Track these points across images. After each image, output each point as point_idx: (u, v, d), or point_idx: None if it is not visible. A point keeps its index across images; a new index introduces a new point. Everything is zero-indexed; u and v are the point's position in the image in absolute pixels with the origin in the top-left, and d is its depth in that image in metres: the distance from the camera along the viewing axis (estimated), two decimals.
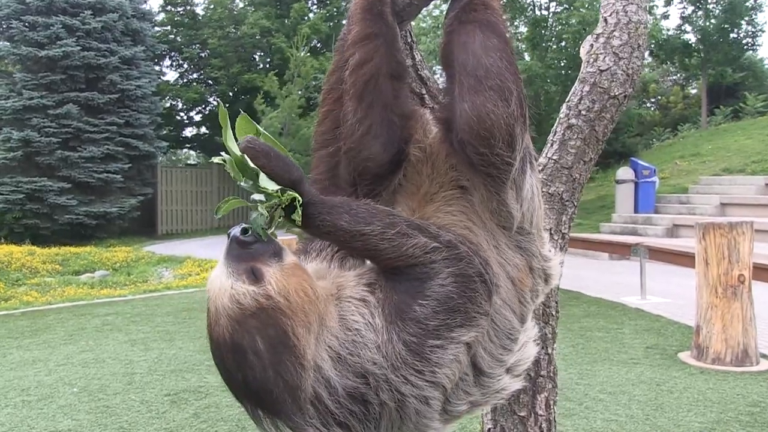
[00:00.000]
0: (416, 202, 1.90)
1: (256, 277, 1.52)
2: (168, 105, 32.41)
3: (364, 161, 1.90)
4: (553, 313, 2.91)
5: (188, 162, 41.37)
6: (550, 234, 2.84)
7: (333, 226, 1.60)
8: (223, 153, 1.58)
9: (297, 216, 1.57)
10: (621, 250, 13.00)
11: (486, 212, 1.84)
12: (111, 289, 14.10)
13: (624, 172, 20.26)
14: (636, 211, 19.74)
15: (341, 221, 1.60)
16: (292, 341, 1.51)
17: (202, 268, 15.95)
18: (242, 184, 1.58)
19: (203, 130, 35.05)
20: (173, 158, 40.88)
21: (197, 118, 34.79)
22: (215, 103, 33.75)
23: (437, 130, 1.97)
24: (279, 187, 1.55)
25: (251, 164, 1.55)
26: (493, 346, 1.77)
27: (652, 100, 36.24)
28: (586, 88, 2.91)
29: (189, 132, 35.64)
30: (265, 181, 1.55)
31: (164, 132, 30.97)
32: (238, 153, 1.55)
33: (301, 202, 1.57)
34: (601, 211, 21.47)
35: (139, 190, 25.21)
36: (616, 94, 2.89)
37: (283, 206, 1.57)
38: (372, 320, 1.59)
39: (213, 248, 19.83)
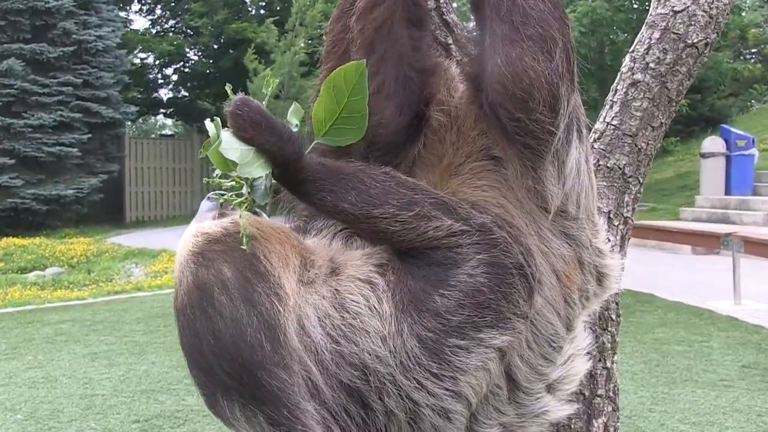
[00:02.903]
0: (438, 176, 1.93)
1: (225, 215, 1.67)
2: (137, 61, 32.49)
3: (375, 127, 1.93)
4: (613, 317, 2.94)
5: (163, 132, 41.50)
6: (609, 218, 2.86)
7: (334, 206, 1.66)
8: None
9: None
10: (708, 242, 12.94)
11: (522, 189, 1.87)
12: (66, 290, 14.19)
13: (712, 143, 20.11)
14: (728, 192, 19.61)
15: (344, 202, 1.65)
16: (264, 266, 1.58)
17: None
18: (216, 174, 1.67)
19: (181, 92, 35.11)
20: (144, 127, 41.04)
21: (174, 77, 34.88)
22: (196, 57, 33.78)
23: (465, 89, 1.99)
24: (264, 173, 1.61)
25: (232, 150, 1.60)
26: (532, 355, 1.80)
27: (752, 50, 35.87)
28: (656, 35, 2.92)
29: (164, 94, 35.75)
30: (246, 165, 1.60)
31: (133, 94, 31.03)
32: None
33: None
34: (682, 193, 21.34)
35: (102, 167, 25.24)
36: (695, 41, 2.89)
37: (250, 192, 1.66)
38: (378, 305, 1.62)
39: None
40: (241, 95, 1.65)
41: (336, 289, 1.65)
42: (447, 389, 1.62)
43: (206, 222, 1.66)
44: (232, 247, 1.57)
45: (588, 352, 1.98)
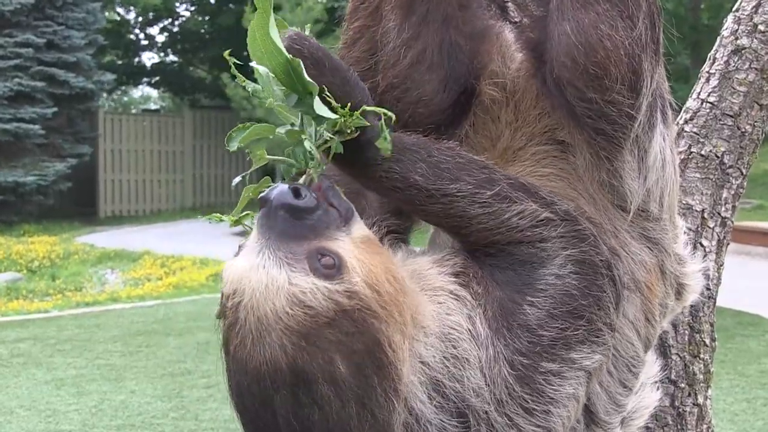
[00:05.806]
0: (491, 162, 1.94)
1: (328, 263, 1.54)
2: (115, 17, 32.60)
3: (414, 105, 1.96)
4: (707, 341, 2.93)
5: (146, 106, 41.65)
6: (703, 218, 2.86)
7: (403, 180, 1.68)
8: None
9: (384, 144, 1.61)
10: None
11: (594, 183, 1.89)
12: (25, 300, 14.30)
13: None
14: None
15: (414, 174, 1.68)
16: (388, 357, 1.55)
17: (168, 269, 16.02)
18: (277, 105, 1.61)
19: (170, 56, 35.20)
20: (124, 99, 41.25)
21: (160, 38, 35.00)
22: (188, 13, 33.83)
23: (524, 58, 2.01)
24: (332, 116, 1.59)
25: (305, 76, 1.58)
26: (611, 381, 1.83)
27: None
28: None
29: (148, 59, 35.90)
30: (318, 105, 1.59)
31: (109, 59, 31.13)
32: (286, 54, 1.58)
33: (387, 133, 1.61)
34: None
35: (71, 150, 25.28)
36: None
37: (342, 138, 1.61)
38: (472, 327, 1.64)
39: (184, 239, 19.95)
40: (295, 29, 1.65)
41: (436, 314, 1.65)
42: (538, 426, 1.64)
43: (305, 281, 1.51)
44: (349, 333, 1.50)
45: (669, 379, 1.99)
